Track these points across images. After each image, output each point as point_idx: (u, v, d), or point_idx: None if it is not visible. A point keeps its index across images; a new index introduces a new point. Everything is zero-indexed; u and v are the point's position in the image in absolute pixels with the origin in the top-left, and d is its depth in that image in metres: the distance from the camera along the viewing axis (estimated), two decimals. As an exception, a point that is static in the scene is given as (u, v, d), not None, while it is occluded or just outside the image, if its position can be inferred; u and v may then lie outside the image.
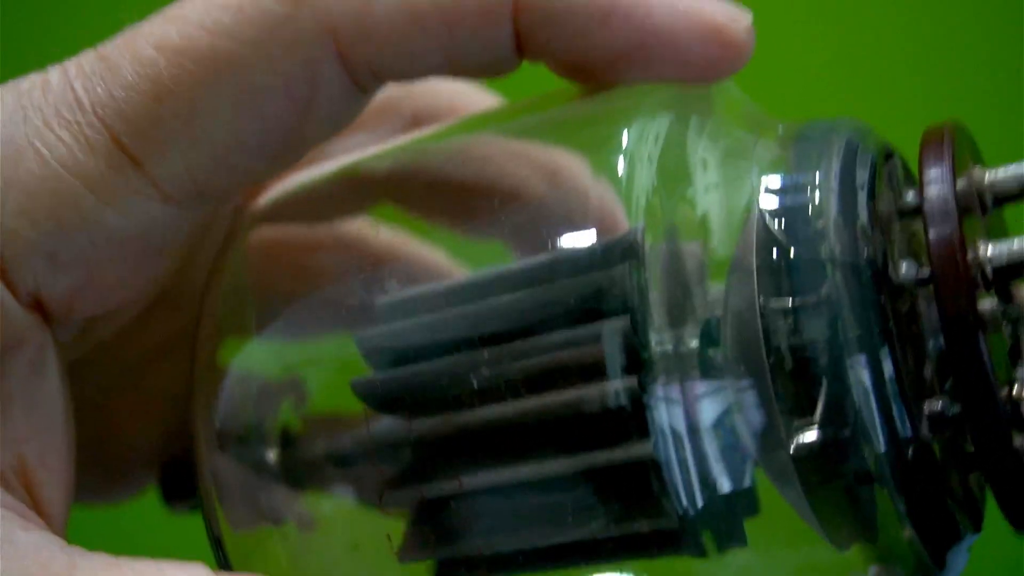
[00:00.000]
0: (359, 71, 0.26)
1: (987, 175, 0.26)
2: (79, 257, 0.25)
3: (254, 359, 0.28)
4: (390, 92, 0.32)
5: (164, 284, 0.27)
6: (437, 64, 0.26)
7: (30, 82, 0.26)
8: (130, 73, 0.25)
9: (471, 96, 0.33)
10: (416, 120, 0.33)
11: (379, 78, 0.26)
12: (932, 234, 0.24)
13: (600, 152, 0.27)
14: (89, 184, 0.25)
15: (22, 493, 0.25)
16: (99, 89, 0.25)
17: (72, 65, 0.25)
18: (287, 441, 0.28)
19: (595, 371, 0.25)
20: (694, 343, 0.25)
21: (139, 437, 0.32)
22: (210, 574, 0.24)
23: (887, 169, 0.26)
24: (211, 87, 0.25)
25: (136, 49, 0.25)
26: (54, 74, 0.25)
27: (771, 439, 0.25)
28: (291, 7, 0.25)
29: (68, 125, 0.25)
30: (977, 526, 0.26)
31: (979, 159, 0.27)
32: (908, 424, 0.24)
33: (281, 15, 0.25)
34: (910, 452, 0.24)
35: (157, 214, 0.25)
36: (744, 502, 0.26)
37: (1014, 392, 0.24)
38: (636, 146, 0.26)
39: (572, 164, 0.27)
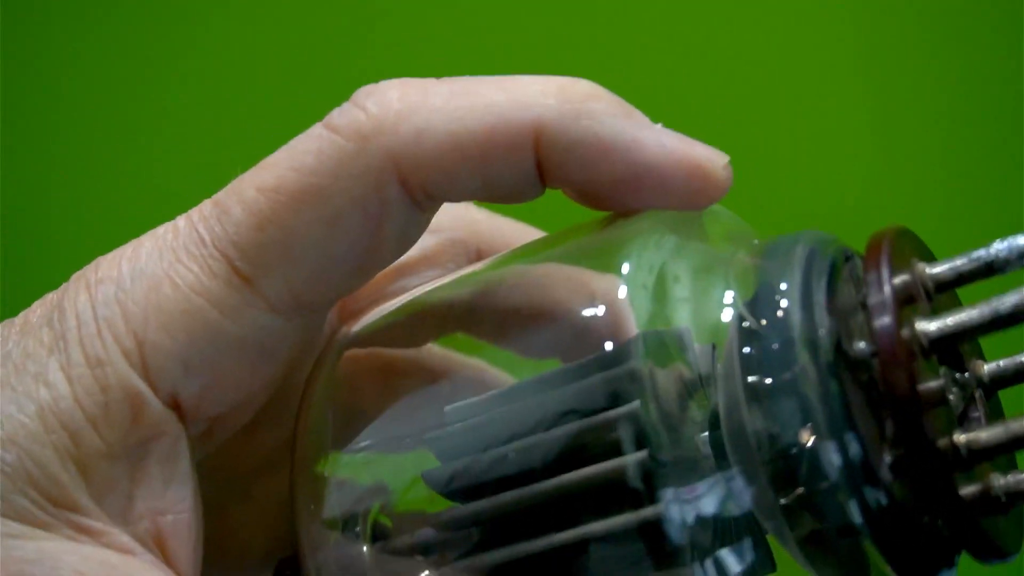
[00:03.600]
0: (416, 193, 0.33)
1: (926, 268, 0.31)
2: (207, 362, 0.32)
3: (345, 468, 0.34)
4: (457, 234, 0.39)
5: (272, 389, 0.34)
6: (477, 188, 0.33)
7: (164, 228, 0.33)
8: (238, 211, 0.32)
9: (524, 232, 0.40)
10: (480, 255, 0.40)
11: (433, 199, 0.33)
12: (873, 323, 0.30)
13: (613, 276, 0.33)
14: (213, 302, 0.32)
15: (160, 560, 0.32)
16: (216, 228, 0.32)
17: (195, 212, 0.33)
18: (378, 537, 0.34)
19: (614, 451, 0.31)
20: (694, 433, 0.31)
21: (251, 539, 0.39)
22: None
23: (847, 268, 0.32)
24: (302, 215, 0.32)
25: (241, 192, 0.32)
26: (181, 221, 0.33)
27: (766, 508, 0.31)
28: (360, 144, 0.32)
29: (195, 258, 0.32)
30: (949, 561, 0.31)
31: (925, 253, 0.32)
32: (873, 484, 0.30)
33: (353, 151, 0.32)
34: (879, 504, 0.30)
35: (266, 323, 0.32)
36: (761, 562, 0.32)
37: (955, 439, 0.30)
38: (634, 275, 0.32)
39: (604, 286, 0.33)
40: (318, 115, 0.33)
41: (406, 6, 0.87)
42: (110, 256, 0.33)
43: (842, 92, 0.82)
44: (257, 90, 0.88)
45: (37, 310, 0.33)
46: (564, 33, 0.86)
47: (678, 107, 0.80)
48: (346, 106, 0.33)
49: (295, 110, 0.83)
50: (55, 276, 0.35)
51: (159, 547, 0.32)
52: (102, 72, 0.90)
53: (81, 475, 0.31)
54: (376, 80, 0.34)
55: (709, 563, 0.31)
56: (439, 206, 0.34)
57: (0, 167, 0.89)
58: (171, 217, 0.34)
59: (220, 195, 0.33)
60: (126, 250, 0.33)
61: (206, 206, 0.33)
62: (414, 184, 0.33)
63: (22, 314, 0.33)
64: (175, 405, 0.32)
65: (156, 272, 0.32)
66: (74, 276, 0.33)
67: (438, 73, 0.34)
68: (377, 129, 0.32)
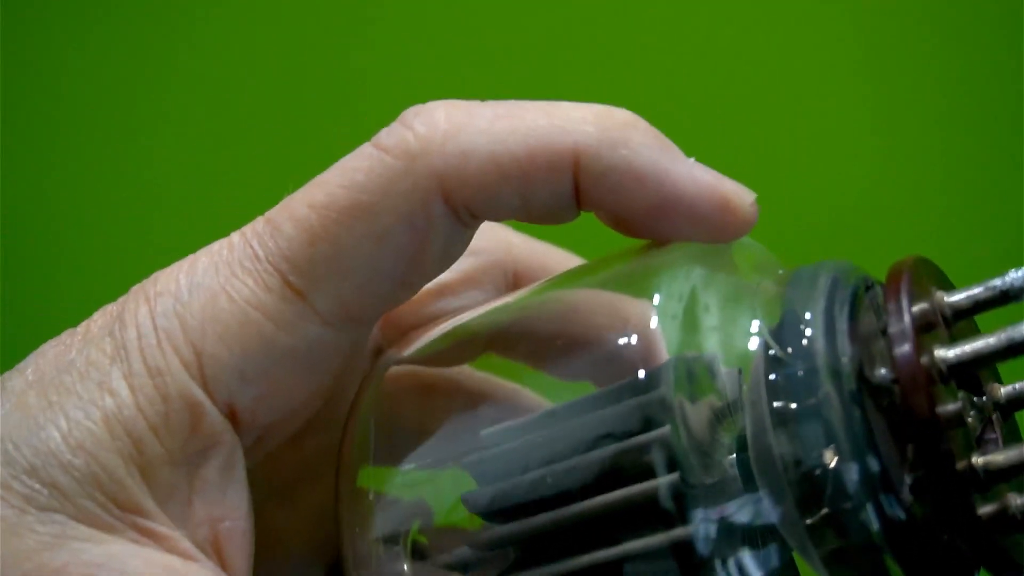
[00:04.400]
0: (459, 210, 0.34)
1: (944, 297, 0.33)
2: (262, 371, 0.33)
3: (387, 486, 0.36)
4: (495, 256, 0.40)
5: (320, 400, 0.35)
6: (516, 207, 0.35)
7: (218, 245, 0.34)
8: (290, 228, 0.34)
9: (558, 256, 0.41)
10: (517, 278, 0.41)
11: (475, 216, 0.35)
12: (894, 351, 0.31)
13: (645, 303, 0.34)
14: (267, 315, 0.33)
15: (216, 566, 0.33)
16: (269, 243, 0.34)
17: (248, 229, 0.34)
18: (417, 554, 0.36)
19: (647, 474, 0.32)
20: (722, 456, 0.33)
21: (293, 545, 0.40)
22: None
23: (868, 297, 0.33)
24: (352, 230, 0.33)
25: (292, 209, 0.34)
26: (235, 237, 0.34)
27: (792, 527, 0.32)
28: (408, 163, 0.34)
29: (249, 273, 0.34)
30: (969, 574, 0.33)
31: (943, 282, 0.34)
32: (894, 504, 0.31)
33: (401, 170, 0.34)
34: (900, 523, 0.31)
35: (317, 335, 0.34)
36: None
37: (973, 461, 0.31)
38: (665, 305, 0.33)
39: (637, 313, 0.34)
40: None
41: (407, 6, 0.87)
42: (167, 270, 0.34)
43: (844, 94, 0.83)
44: (257, 90, 0.88)
45: (98, 320, 0.34)
46: (565, 32, 0.87)
47: (679, 111, 0.81)
48: (394, 126, 0.34)
49: (295, 110, 0.83)
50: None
51: (216, 553, 0.33)
52: (102, 72, 0.91)
53: (144, 481, 0.32)
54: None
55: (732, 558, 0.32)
56: (480, 223, 0.35)
57: (0, 167, 0.89)
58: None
59: (272, 212, 0.34)
60: (183, 265, 0.34)
61: (259, 223, 0.34)
62: (458, 202, 0.34)
63: (83, 324, 0.34)
64: (231, 415, 0.34)
65: (212, 286, 0.33)
66: (133, 289, 0.34)
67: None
68: (424, 149, 0.34)
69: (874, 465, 0.31)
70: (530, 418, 0.35)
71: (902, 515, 0.31)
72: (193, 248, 0.35)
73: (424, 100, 0.35)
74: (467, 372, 0.37)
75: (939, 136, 0.82)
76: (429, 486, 0.36)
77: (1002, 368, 0.34)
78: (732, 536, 0.32)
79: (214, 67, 0.90)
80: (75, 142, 0.91)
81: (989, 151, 0.79)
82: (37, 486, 0.32)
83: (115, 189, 0.90)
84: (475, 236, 0.36)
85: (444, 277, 0.39)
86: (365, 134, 0.35)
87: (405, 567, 0.35)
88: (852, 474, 0.31)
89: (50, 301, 0.82)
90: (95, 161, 0.90)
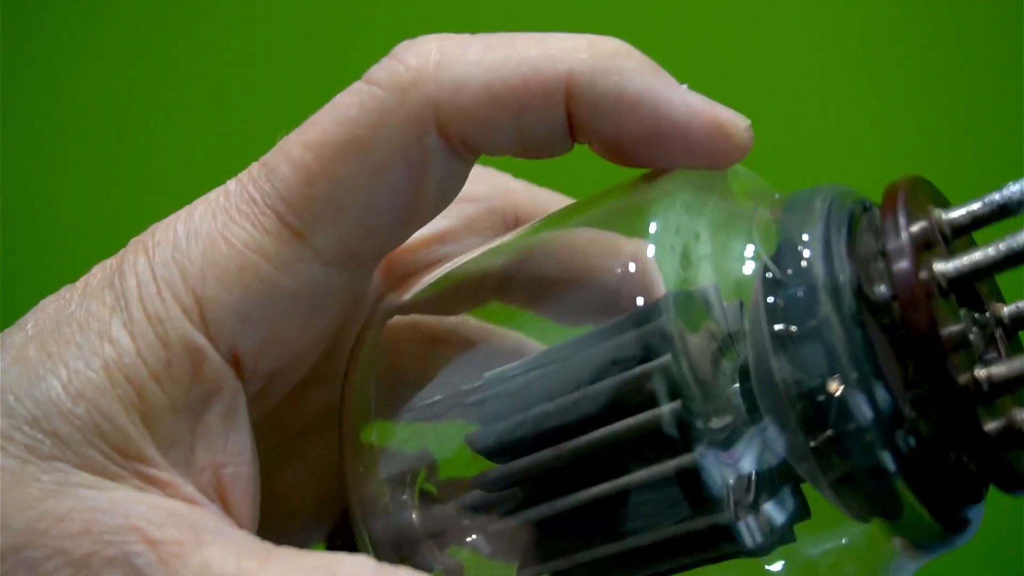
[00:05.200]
0: (455, 142, 0.34)
1: (942, 214, 0.32)
2: (263, 315, 0.33)
3: (391, 436, 0.36)
4: (494, 202, 0.40)
5: (323, 344, 0.35)
6: (511, 138, 0.34)
7: (214, 193, 0.34)
8: (285, 169, 0.33)
9: (558, 201, 0.41)
10: (517, 223, 0.41)
11: (471, 149, 0.34)
12: (892, 267, 0.31)
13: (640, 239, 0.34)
14: (266, 257, 0.33)
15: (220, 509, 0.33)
16: (265, 186, 0.33)
17: (244, 175, 0.34)
18: (426, 503, 0.35)
19: (649, 405, 0.32)
20: (725, 384, 0.32)
21: (299, 500, 0.40)
22: (374, 565, 0.31)
23: (866, 219, 0.33)
24: (347, 166, 0.33)
25: (288, 150, 0.34)
26: (231, 184, 0.34)
27: (798, 452, 0.32)
28: (400, 95, 0.33)
29: (247, 216, 0.33)
30: (978, 495, 0.33)
31: (940, 200, 0.33)
32: (899, 423, 0.31)
33: (393, 102, 0.33)
34: (906, 443, 0.31)
35: (319, 275, 0.34)
36: (796, 508, 0.33)
37: (975, 374, 0.31)
38: (661, 236, 0.33)
39: (632, 247, 0.34)
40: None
41: (407, 6, 0.87)
42: (164, 221, 0.34)
43: (843, 90, 0.83)
44: (257, 90, 0.88)
45: (97, 274, 0.34)
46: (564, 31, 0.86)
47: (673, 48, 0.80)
48: (385, 60, 0.34)
49: (296, 110, 0.83)
50: (55, 276, 0.36)
51: (220, 498, 0.33)
52: (102, 72, 0.91)
53: (146, 428, 0.32)
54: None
55: (745, 506, 0.32)
56: (476, 158, 0.35)
57: (0, 167, 0.89)
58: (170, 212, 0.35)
59: (267, 156, 0.34)
60: (180, 215, 0.34)
61: (254, 168, 0.34)
62: (453, 133, 0.34)
63: (82, 279, 0.34)
64: (234, 360, 0.33)
65: (211, 232, 0.33)
66: (131, 242, 0.34)
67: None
68: (416, 80, 0.33)
69: (877, 385, 0.31)
70: (530, 358, 0.34)
71: (909, 435, 0.31)
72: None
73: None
74: (466, 320, 0.37)
75: (938, 134, 0.81)
76: (433, 434, 0.36)
77: (1006, 290, 0.34)
78: (736, 462, 0.32)
79: (214, 67, 0.89)
80: (75, 142, 0.90)
81: (989, 150, 0.79)
82: (39, 436, 0.31)
83: (115, 189, 0.90)
84: (473, 182, 0.36)
85: (443, 223, 0.39)
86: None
87: (414, 515, 0.35)
88: (855, 394, 0.31)
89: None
90: (95, 161, 0.90)
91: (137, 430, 0.32)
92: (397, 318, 0.37)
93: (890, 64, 0.82)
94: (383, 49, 0.35)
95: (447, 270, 0.37)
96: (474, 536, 0.34)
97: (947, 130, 0.82)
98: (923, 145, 0.82)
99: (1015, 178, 0.32)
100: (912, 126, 0.82)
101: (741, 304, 0.33)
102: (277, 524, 0.39)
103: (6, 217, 0.89)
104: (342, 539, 0.40)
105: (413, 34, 0.35)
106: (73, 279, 0.35)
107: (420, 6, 0.86)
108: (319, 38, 0.88)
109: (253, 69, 0.89)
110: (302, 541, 0.41)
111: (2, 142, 0.89)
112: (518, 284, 0.36)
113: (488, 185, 0.40)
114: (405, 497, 0.35)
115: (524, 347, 0.36)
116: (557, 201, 0.41)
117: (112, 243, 0.35)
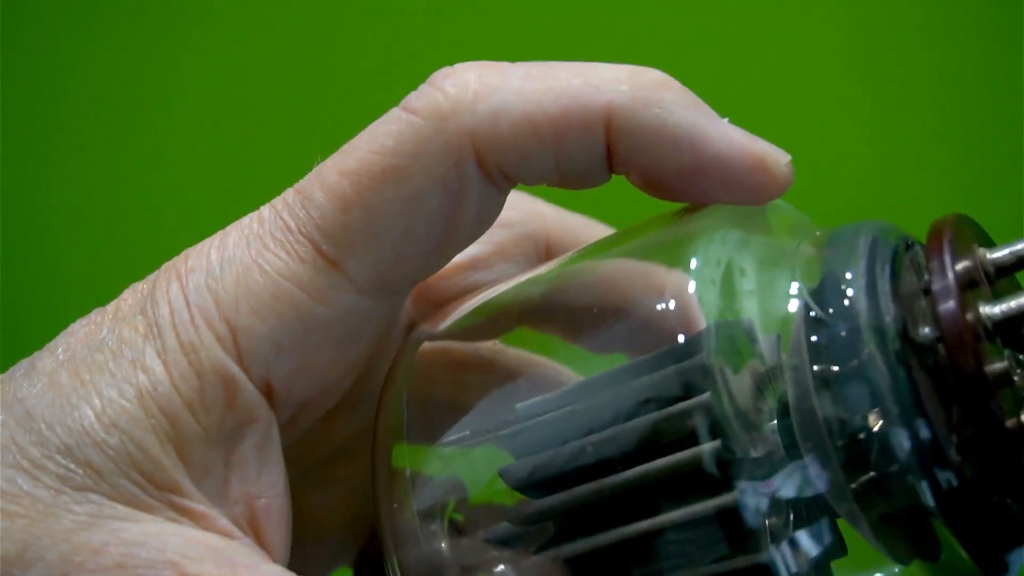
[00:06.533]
0: (492, 171, 0.34)
1: (987, 253, 0.32)
2: (297, 344, 0.33)
3: (422, 464, 0.35)
4: (527, 228, 0.40)
5: (355, 374, 0.35)
6: (549, 168, 0.34)
7: (248, 219, 0.34)
8: (321, 197, 0.33)
9: (591, 228, 0.41)
10: (549, 249, 0.41)
11: (508, 178, 0.34)
12: (938, 308, 0.31)
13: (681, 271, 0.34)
14: (301, 286, 0.33)
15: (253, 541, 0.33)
16: (300, 213, 0.33)
17: (278, 201, 0.34)
18: (455, 531, 0.35)
19: (689, 442, 0.32)
20: (765, 421, 0.32)
21: (327, 525, 0.40)
22: None
23: (908, 256, 0.33)
24: (384, 195, 0.33)
25: (323, 178, 0.33)
26: (265, 210, 0.34)
27: (839, 492, 0.31)
28: (439, 123, 0.33)
29: (281, 244, 0.33)
30: (1020, 538, 0.32)
31: (984, 239, 0.33)
32: (942, 465, 0.31)
33: (432, 131, 0.33)
34: (949, 485, 0.31)
35: (352, 304, 0.33)
36: (833, 546, 0.33)
37: (1022, 419, 0.31)
38: (702, 270, 0.33)
39: (673, 281, 0.34)
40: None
41: (407, 6, 0.87)
42: (197, 247, 0.34)
43: (841, 92, 0.83)
44: (257, 90, 0.88)
45: (128, 299, 0.34)
46: (566, 30, 0.87)
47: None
48: (423, 88, 0.34)
49: (297, 110, 0.83)
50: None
51: (253, 531, 0.33)
52: (102, 72, 0.90)
53: (180, 458, 0.32)
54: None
55: (784, 546, 0.32)
56: (513, 186, 0.35)
57: (0, 167, 0.89)
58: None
59: (302, 183, 0.34)
60: (213, 240, 0.34)
61: (289, 194, 0.34)
62: (490, 163, 0.33)
63: (112, 303, 0.34)
64: (267, 389, 0.33)
65: (245, 259, 0.33)
66: (163, 267, 0.34)
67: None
68: (455, 109, 0.33)
69: (921, 426, 0.30)
70: (566, 389, 0.34)
71: (952, 477, 0.31)
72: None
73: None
74: (500, 347, 0.36)
75: (937, 134, 0.81)
76: (465, 462, 0.35)
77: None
78: (776, 502, 0.32)
79: (215, 67, 0.89)
80: (75, 142, 0.90)
81: (989, 151, 0.79)
82: (72, 466, 0.31)
83: (115, 189, 0.90)
84: (506, 208, 0.36)
85: (476, 250, 0.39)
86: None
87: (443, 544, 0.35)
88: (899, 436, 0.31)
89: (50, 301, 0.82)
90: (95, 161, 0.90)
91: (171, 461, 0.32)
92: (432, 346, 0.37)
93: (890, 65, 0.82)
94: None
95: (485, 299, 0.37)
96: (505, 569, 0.34)
97: (947, 130, 0.82)
98: (923, 146, 0.82)
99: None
100: (913, 128, 0.82)
101: (779, 338, 0.33)
102: (302, 549, 0.39)
103: (6, 217, 0.89)
104: (370, 567, 0.40)
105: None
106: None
107: (427, 21, 0.86)
108: (320, 41, 0.88)
109: (255, 70, 0.89)
110: (327, 566, 0.41)
111: (2, 142, 0.89)
112: (556, 314, 0.36)
113: (520, 211, 0.40)
114: (435, 527, 0.35)
115: (561, 377, 0.35)
116: (588, 227, 0.41)
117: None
